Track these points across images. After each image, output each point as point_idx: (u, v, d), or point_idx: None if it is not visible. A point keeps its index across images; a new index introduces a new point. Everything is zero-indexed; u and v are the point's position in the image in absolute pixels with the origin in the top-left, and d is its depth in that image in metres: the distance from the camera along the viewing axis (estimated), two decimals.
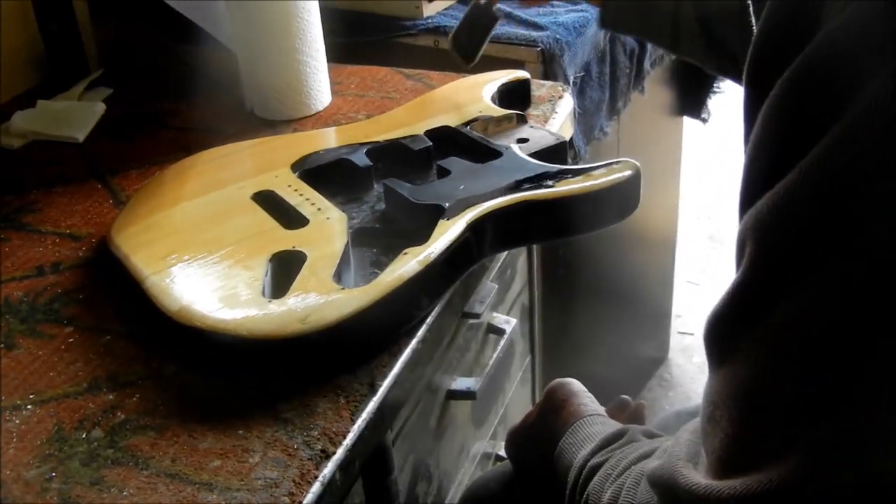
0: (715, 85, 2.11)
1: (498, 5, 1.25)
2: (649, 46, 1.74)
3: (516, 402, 1.38)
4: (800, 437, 0.56)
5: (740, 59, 1.09)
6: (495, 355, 1.19)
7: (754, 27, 0.72)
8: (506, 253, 1.21)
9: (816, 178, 0.53)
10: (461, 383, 1.12)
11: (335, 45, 1.33)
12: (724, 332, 0.61)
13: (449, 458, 1.15)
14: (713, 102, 2.13)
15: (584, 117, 1.57)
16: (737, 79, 1.16)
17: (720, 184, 3.33)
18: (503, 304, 1.27)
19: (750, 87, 0.62)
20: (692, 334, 2.66)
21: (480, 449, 1.26)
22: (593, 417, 0.94)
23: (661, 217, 2.27)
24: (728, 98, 2.16)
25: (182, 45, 1.47)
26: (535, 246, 1.40)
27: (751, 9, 0.73)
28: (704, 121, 2.16)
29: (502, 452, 1.28)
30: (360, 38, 1.56)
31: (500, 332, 1.21)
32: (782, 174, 0.55)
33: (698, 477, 0.63)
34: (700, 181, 3.26)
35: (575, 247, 1.70)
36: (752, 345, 0.58)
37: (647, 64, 1.77)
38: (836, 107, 0.53)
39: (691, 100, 2.13)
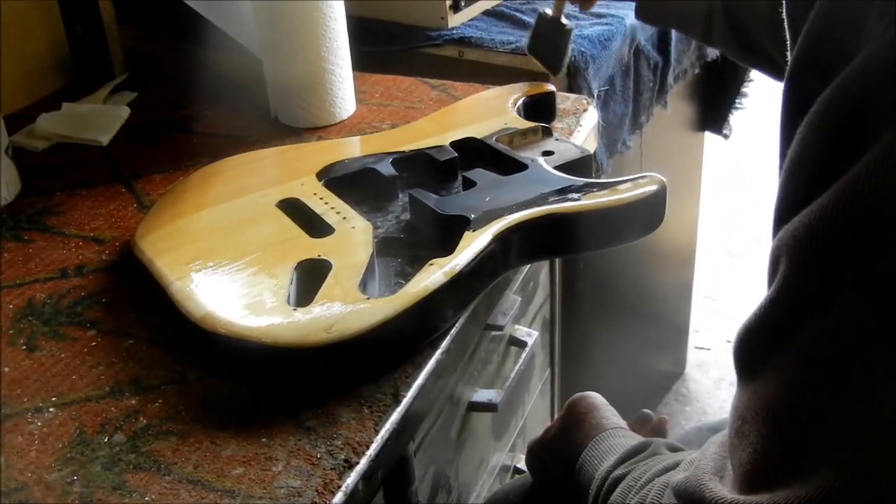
0: (737, 101, 2.10)
1: (564, 17, 1.28)
2: (673, 61, 1.74)
3: (535, 415, 1.38)
4: (829, 454, 0.56)
5: (776, 57, 1.09)
6: (517, 367, 1.18)
7: (787, 27, 0.71)
8: (528, 265, 1.21)
9: (851, 200, 0.53)
10: (482, 395, 1.11)
11: (360, 53, 1.33)
12: (754, 347, 0.61)
13: (468, 469, 1.14)
14: (735, 118, 2.13)
15: (608, 131, 1.56)
16: (772, 75, 1.16)
17: (739, 199, 3.32)
18: (525, 317, 1.27)
19: (789, 99, 0.62)
20: (709, 349, 2.65)
21: (499, 461, 1.26)
22: (615, 430, 0.94)
23: (681, 232, 2.26)
24: (750, 114, 2.16)
25: (207, 51, 1.48)
26: (557, 259, 1.39)
27: (783, 11, 0.73)
28: (726, 136, 2.16)
29: (521, 465, 1.28)
30: (384, 47, 1.56)
31: (521, 344, 1.21)
32: (819, 192, 0.55)
33: (724, 491, 0.63)
34: (720, 196, 3.26)
35: (594, 260, 1.69)
36: (782, 361, 0.58)
37: (670, 78, 1.76)
38: (873, 129, 0.53)
39: (713, 115, 2.13)
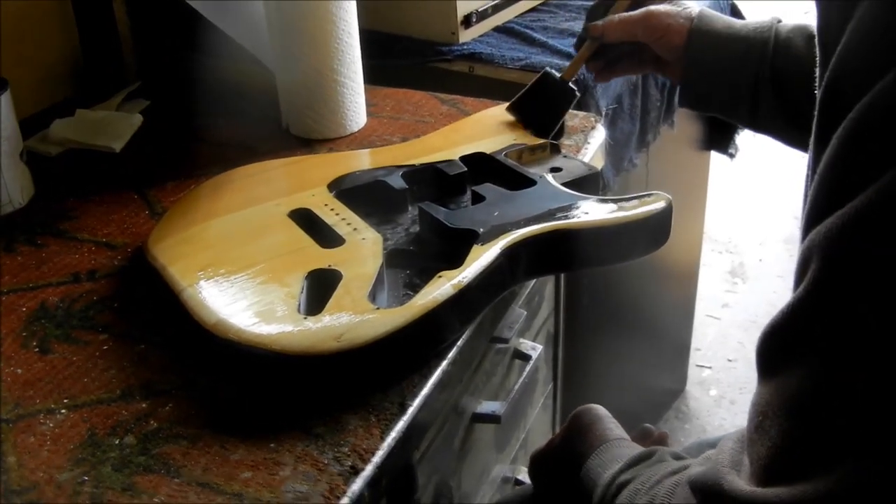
0: None
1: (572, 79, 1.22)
2: None
3: (537, 428, 1.39)
4: (852, 448, 0.57)
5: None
6: (521, 380, 1.19)
7: (817, 43, 0.72)
8: (535, 280, 1.22)
9: (886, 203, 0.55)
10: (486, 407, 1.12)
11: (371, 66, 1.35)
12: (779, 344, 0.63)
13: (470, 480, 1.15)
14: (741, 138, 2.14)
15: (615, 149, 1.58)
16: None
17: (743, 219, 3.34)
18: (530, 331, 1.28)
19: (824, 109, 0.63)
20: (710, 367, 2.66)
21: (501, 473, 1.27)
22: (620, 441, 0.95)
23: (684, 250, 2.27)
24: (755, 135, 2.17)
25: (220, 61, 1.49)
26: (562, 274, 1.41)
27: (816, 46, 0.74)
28: (731, 156, 2.16)
29: (521, 477, 1.29)
30: (395, 61, 1.58)
31: (526, 357, 1.22)
32: (852, 196, 0.57)
33: (742, 483, 0.64)
34: (723, 216, 3.27)
35: (597, 276, 1.70)
36: (809, 356, 0.60)
37: (677, 98, 1.77)
38: None
39: (719, 135, 2.14)
